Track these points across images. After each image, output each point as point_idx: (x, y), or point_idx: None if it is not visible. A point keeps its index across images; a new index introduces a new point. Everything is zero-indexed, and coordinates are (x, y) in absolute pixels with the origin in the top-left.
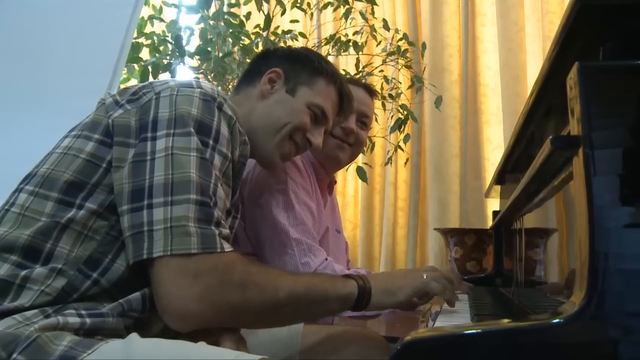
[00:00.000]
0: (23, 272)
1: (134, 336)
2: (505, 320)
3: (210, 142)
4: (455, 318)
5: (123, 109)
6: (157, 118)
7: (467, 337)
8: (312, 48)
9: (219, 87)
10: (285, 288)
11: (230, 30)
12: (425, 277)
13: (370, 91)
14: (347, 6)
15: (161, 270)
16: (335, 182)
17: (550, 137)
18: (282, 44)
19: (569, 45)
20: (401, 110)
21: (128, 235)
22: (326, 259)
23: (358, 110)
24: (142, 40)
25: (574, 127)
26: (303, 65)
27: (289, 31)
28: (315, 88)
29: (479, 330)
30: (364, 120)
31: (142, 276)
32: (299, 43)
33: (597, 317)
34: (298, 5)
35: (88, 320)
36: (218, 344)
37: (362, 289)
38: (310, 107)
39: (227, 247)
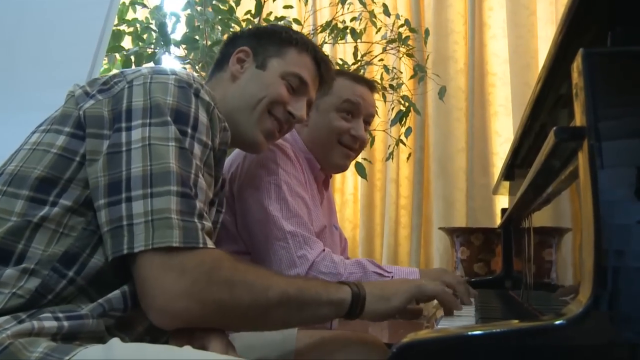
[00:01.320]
0: None
1: (115, 341)
2: (506, 322)
3: (189, 130)
4: (459, 322)
5: (94, 99)
6: (131, 107)
7: (465, 339)
8: (308, 35)
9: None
10: (276, 288)
11: (219, 17)
12: (422, 282)
13: (373, 87)
14: None
15: (145, 265)
16: (331, 176)
17: (554, 128)
18: None
19: (576, 29)
20: (403, 102)
21: (106, 231)
22: (324, 250)
23: (366, 111)
24: (123, 27)
25: (578, 118)
26: (270, 38)
27: (282, 17)
28: (286, 58)
29: (479, 332)
30: (369, 120)
31: (120, 273)
32: None
33: (602, 318)
34: None
35: (66, 323)
36: (205, 347)
37: (355, 296)
38: (284, 77)
39: (210, 243)
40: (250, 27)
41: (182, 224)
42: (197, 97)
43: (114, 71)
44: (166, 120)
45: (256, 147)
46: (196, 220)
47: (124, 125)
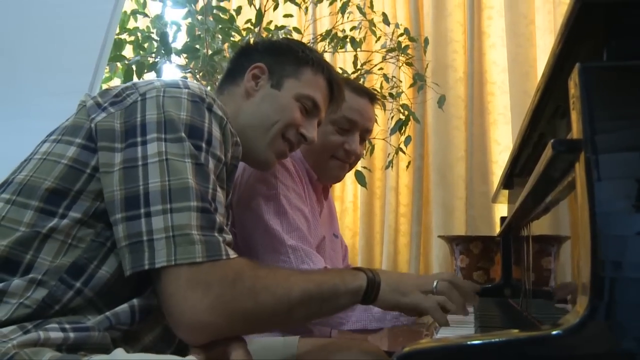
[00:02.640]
0: None
1: (119, 351)
2: (505, 332)
3: (204, 145)
4: (459, 330)
5: (106, 112)
6: (145, 121)
7: (464, 348)
8: (308, 44)
9: (208, 87)
10: (297, 288)
11: (220, 26)
12: (435, 285)
13: (374, 99)
14: None
15: (170, 281)
16: (331, 185)
17: (552, 140)
18: None
19: (574, 41)
20: (402, 111)
21: (124, 245)
22: (326, 267)
23: (362, 127)
24: (125, 36)
25: (575, 130)
26: (286, 56)
27: (282, 27)
28: (302, 79)
29: (478, 342)
30: (365, 136)
31: (128, 285)
32: None
33: (599, 329)
34: None
35: (72, 334)
36: (228, 355)
37: (371, 281)
38: (299, 99)
39: (232, 253)
40: (249, 37)
41: (203, 238)
42: (210, 111)
43: (116, 80)
44: (181, 137)
45: (266, 166)
46: (216, 234)
47: (139, 139)
